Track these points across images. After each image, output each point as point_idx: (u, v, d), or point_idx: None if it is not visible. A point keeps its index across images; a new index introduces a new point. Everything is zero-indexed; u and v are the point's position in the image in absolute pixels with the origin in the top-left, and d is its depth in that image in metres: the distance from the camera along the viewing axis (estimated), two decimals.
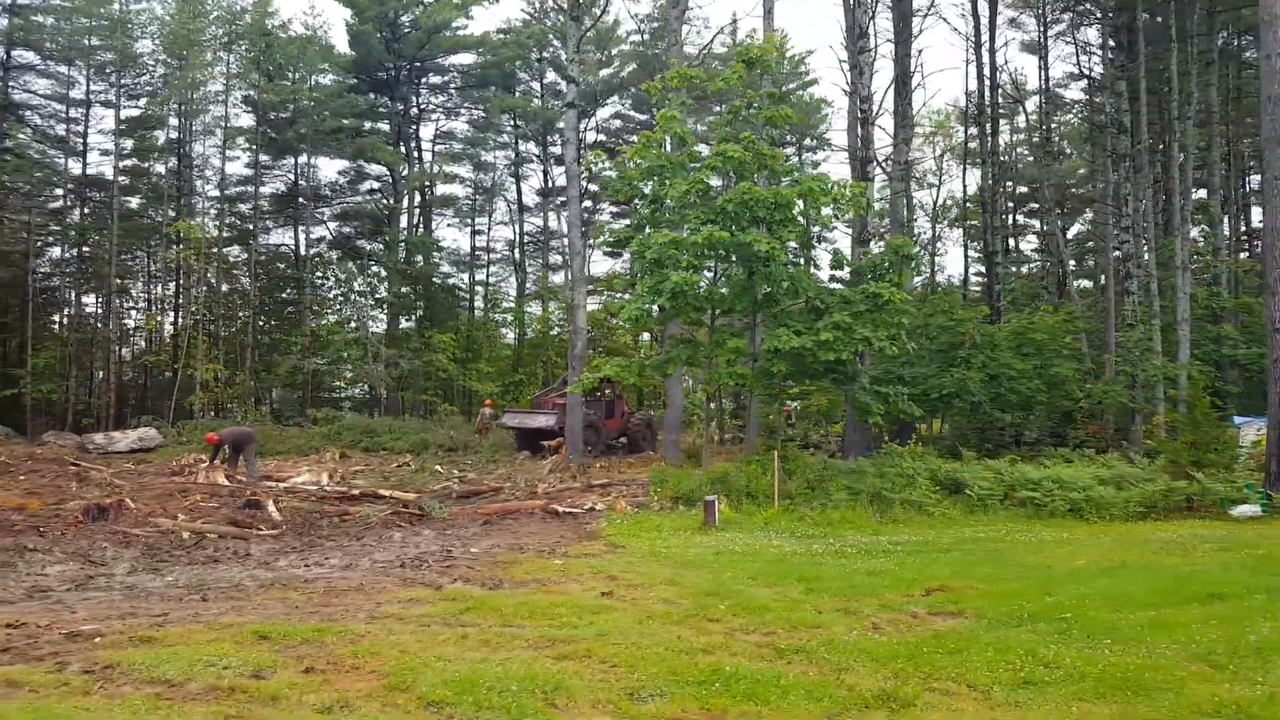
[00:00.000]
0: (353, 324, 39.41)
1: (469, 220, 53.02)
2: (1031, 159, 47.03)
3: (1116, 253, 27.06)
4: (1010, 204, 47.40)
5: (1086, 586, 9.64)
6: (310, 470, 23.49)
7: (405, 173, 46.66)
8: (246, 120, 43.71)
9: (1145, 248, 26.35)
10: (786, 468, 18.31)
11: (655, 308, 16.54)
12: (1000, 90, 36.01)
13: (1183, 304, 25.21)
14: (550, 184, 53.97)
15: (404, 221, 47.51)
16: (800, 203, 17.10)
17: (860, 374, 17.50)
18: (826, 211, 16.97)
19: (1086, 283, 46.79)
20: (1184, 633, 7.39)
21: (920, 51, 33.54)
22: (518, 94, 53.42)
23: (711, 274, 17.83)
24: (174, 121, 41.57)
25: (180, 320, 37.39)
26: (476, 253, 53.56)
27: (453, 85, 51.84)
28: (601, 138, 56.47)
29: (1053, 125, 43.76)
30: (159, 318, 36.79)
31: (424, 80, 50.41)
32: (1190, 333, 25.94)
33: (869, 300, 16.08)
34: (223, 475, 21.60)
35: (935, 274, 54.01)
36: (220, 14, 40.68)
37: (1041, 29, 42.00)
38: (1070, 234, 50.17)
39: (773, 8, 25.78)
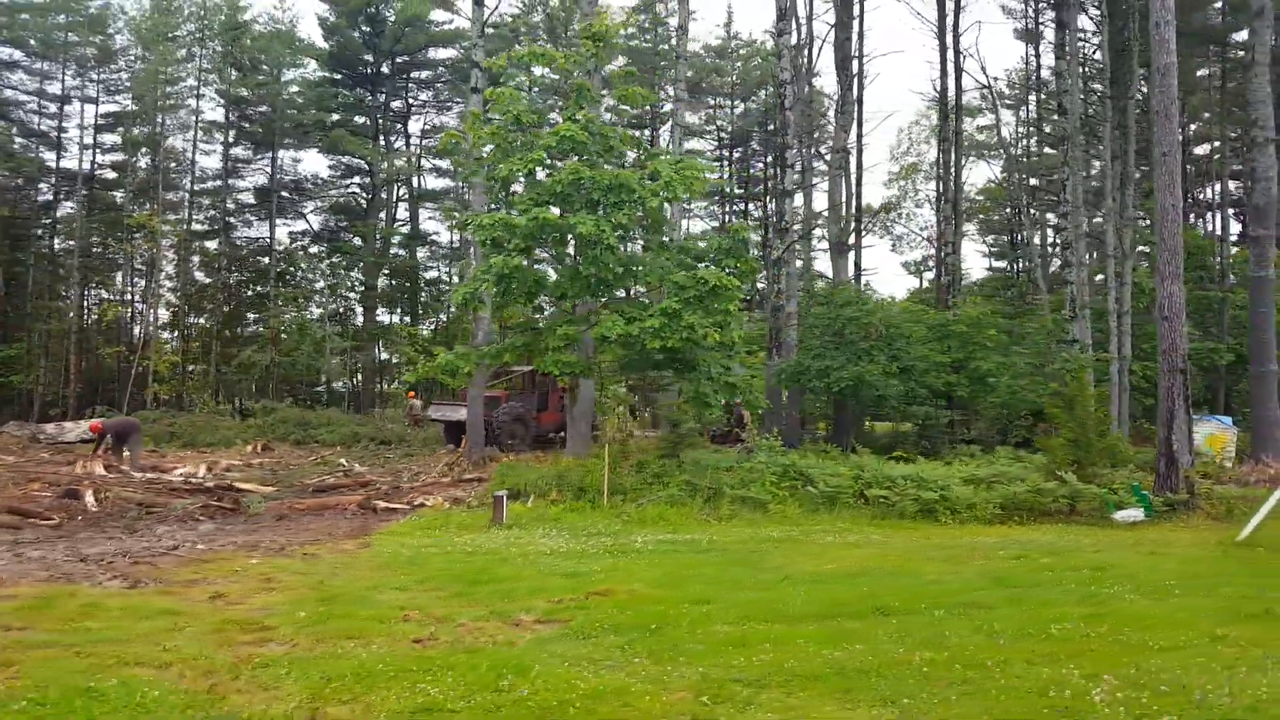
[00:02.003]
0: (313, 316, 39.37)
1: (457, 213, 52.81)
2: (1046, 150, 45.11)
3: (1052, 239, 25.59)
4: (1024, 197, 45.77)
5: (769, 594, 8.79)
6: (193, 463, 23.25)
7: (386, 166, 46.60)
8: (224, 115, 44.01)
9: (1083, 233, 24.85)
10: (638, 462, 17.55)
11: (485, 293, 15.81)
12: (967, 76, 34.50)
13: (1124, 294, 23.72)
14: None
15: (385, 214, 47.44)
16: (650, 184, 16.21)
17: (708, 363, 16.59)
18: (662, 200, 16.04)
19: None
20: (747, 654, 6.52)
21: (861, 35, 32.08)
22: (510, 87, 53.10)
23: (552, 258, 17.03)
24: (152, 116, 41.81)
25: (141, 312, 37.76)
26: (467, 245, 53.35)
27: (441, 80, 51.67)
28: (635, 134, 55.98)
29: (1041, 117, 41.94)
30: (120, 310, 37.13)
31: (409, 75, 50.34)
32: (1132, 326, 24.42)
33: (698, 286, 15.18)
34: (102, 465, 21.46)
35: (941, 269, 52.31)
36: (193, 9, 40.91)
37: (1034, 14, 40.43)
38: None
39: None
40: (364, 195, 47.15)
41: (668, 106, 58.20)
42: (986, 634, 7.16)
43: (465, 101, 33.05)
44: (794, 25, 27.24)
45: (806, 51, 30.00)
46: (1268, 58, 21.79)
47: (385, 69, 46.78)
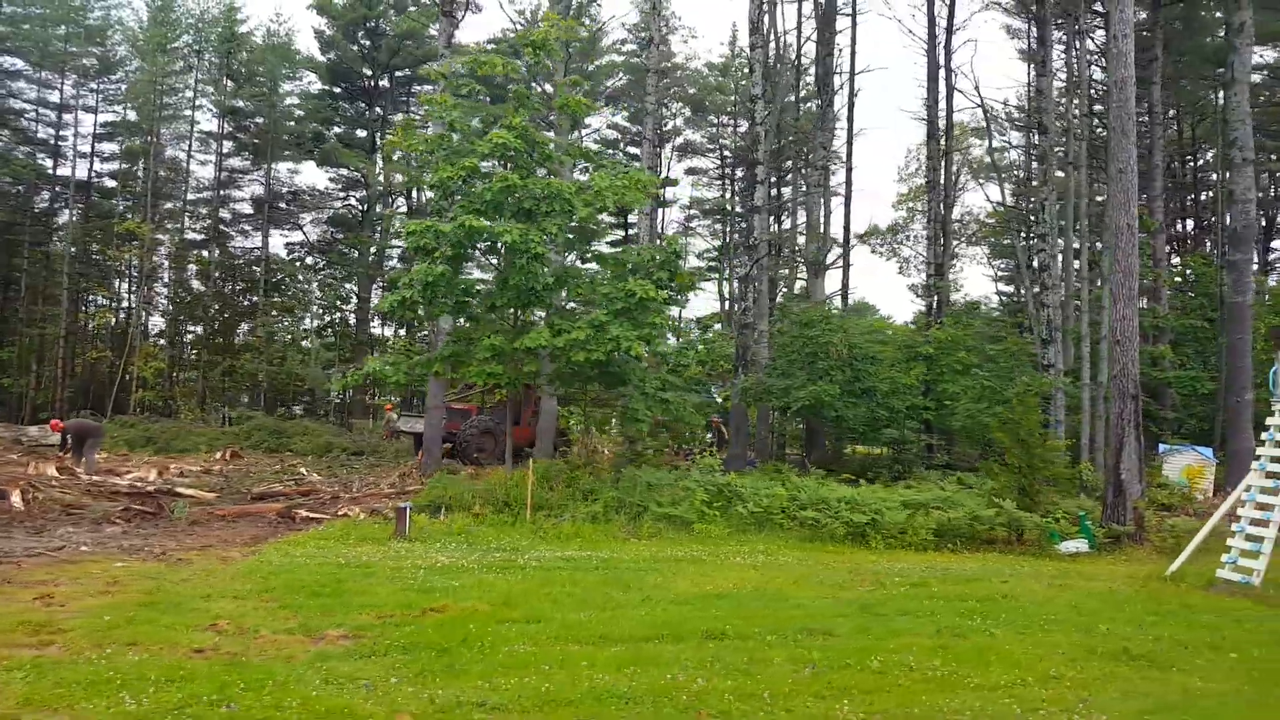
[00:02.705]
0: (305, 327, 39.40)
1: None
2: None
3: (1033, 264, 24.99)
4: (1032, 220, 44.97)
5: (611, 614, 8.37)
6: (147, 468, 23.13)
7: (383, 179, 46.72)
8: (225, 125, 44.37)
9: (1059, 258, 24.22)
10: (570, 477, 17.17)
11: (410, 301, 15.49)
12: (960, 95, 33.99)
13: (1102, 318, 23.00)
14: None
15: (381, 227, 47.51)
16: (588, 194, 15.89)
17: (642, 378, 16.21)
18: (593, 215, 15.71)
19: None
20: (519, 676, 6.11)
21: (854, 53, 31.77)
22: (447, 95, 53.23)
23: (494, 267, 16.65)
24: (148, 126, 42.22)
25: (130, 318, 37.88)
26: None
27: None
28: (594, 147, 55.96)
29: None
30: (109, 316, 37.34)
31: (409, 89, 50.58)
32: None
33: (626, 298, 14.80)
34: (55, 467, 21.36)
35: (950, 291, 51.44)
36: (190, 21, 41.36)
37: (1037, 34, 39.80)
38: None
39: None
40: (360, 208, 47.30)
41: (676, 122, 58.54)
42: (798, 664, 6.71)
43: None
44: (774, 39, 26.94)
45: (792, 66, 29.64)
46: (1248, 76, 21.18)
47: (385, 82, 46.99)
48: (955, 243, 55.66)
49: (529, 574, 10.54)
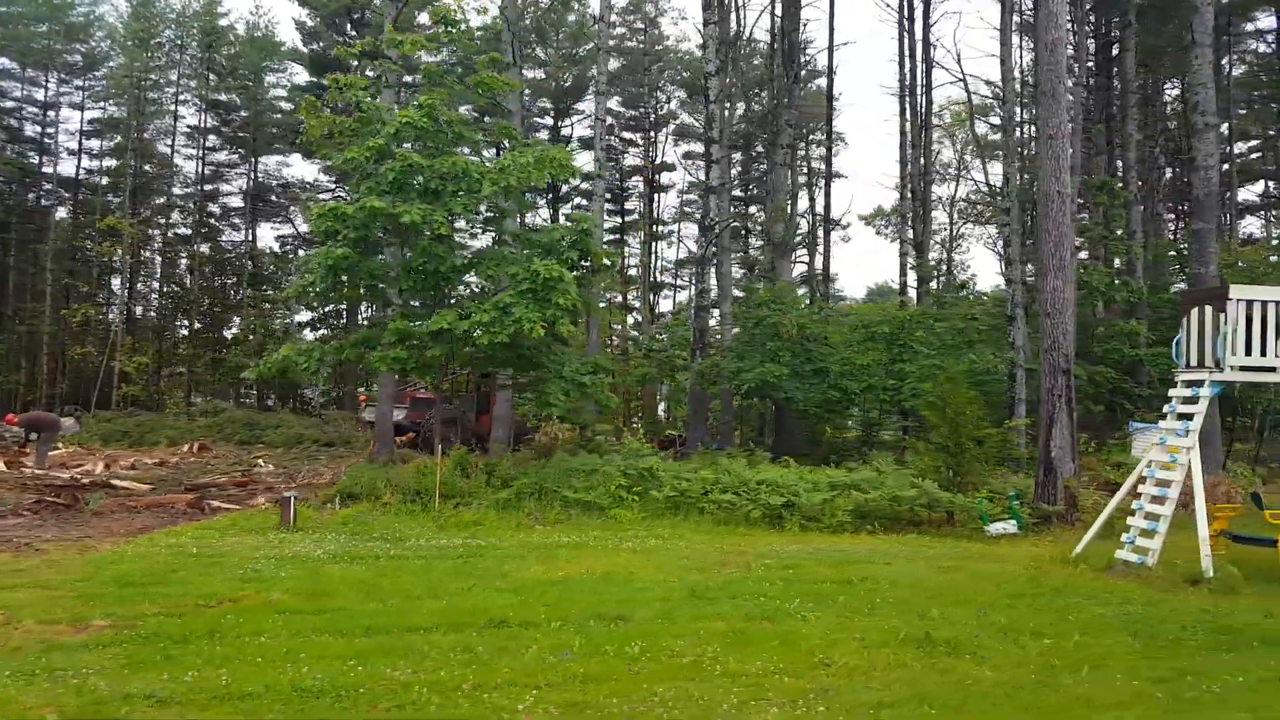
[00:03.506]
0: (291, 321, 39.40)
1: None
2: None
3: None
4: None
5: (417, 604, 8.05)
6: (94, 461, 23.14)
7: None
8: (209, 120, 44.43)
9: (1017, 231, 23.43)
10: (489, 465, 16.85)
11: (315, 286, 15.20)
12: (941, 70, 33.15)
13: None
14: None
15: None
16: (493, 173, 15.41)
17: (560, 361, 15.81)
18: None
19: None
20: (242, 668, 5.81)
21: (831, 28, 30.96)
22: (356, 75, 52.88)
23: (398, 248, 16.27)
24: (130, 122, 42.33)
25: (114, 314, 38.07)
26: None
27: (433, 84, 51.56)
28: (586, 132, 55.54)
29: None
30: (93, 311, 37.54)
31: (401, 78, 50.27)
32: (1078, 328, 22.89)
33: (531, 279, 14.39)
34: (3, 461, 21.48)
35: (952, 271, 50.48)
36: (172, 15, 41.39)
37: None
38: None
39: None
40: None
41: (670, 105, 57.83)
42: (555, 651, 6.34)
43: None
44: (734, 15, 26.37)
45: (758, 44, 29.00)
46: (1209, 38, 20.26)
47: (371, 72, 46.74)
48: (961, 223, 54.71)
49: (382, 564, 10.24)
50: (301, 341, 29.46)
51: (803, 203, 45.63)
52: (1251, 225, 42.23)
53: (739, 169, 59.06)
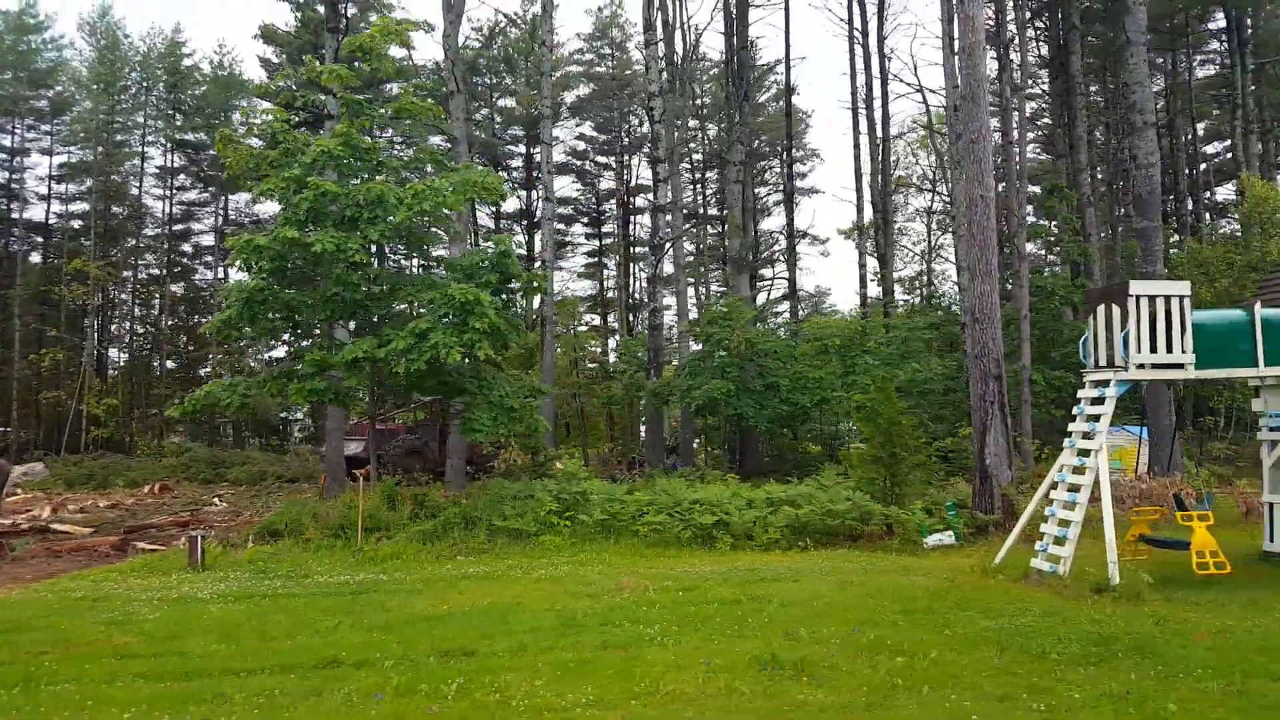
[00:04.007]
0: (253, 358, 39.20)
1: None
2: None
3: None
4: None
5: (255, 646, 7.72)
6: (42, 506, 22.89)
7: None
8: (177, 160, 44.50)
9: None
10: (417, 495, 16.57)
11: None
12: (898, 81, 33.06)
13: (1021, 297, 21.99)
14: (498, 207, 53.19)
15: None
16: (408, 198, 15.17)
17: (489, 385, 15.55)
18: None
19: None
20: None
21: (788, 44, 30.82)
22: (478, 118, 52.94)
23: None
24: (105, 164, 42.36)
25: (84, 359, 37.89)
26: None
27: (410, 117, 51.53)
28: (562, 159, 55.64)
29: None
30: (59, 355, 37.37)
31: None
32: (1034, 333, 22.71)
33: (447, 303, 14.17)
34: None
35: (932, 282, 50.25)
36: (138, 58, 41.54)
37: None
38: None
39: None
40: None
41: (643, 128, 57.89)
42: (367, 693, 6.04)
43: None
44: (681, 35, 26.35)
45: (701, 61, 28.92)
46: (1142, 36, 20.14)
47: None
48: (940, 234, 54.52)
49: (265, 603, 9.94)
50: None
51: (779, 219, 45.70)
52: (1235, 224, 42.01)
53: (714, 188, 59.17)
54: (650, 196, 58.33)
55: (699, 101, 56.63)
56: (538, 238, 58.34)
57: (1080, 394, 11.08)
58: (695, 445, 26.47)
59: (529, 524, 14.75)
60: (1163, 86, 37.07)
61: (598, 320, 57.71)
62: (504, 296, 15.61)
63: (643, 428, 37.28)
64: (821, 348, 22.87)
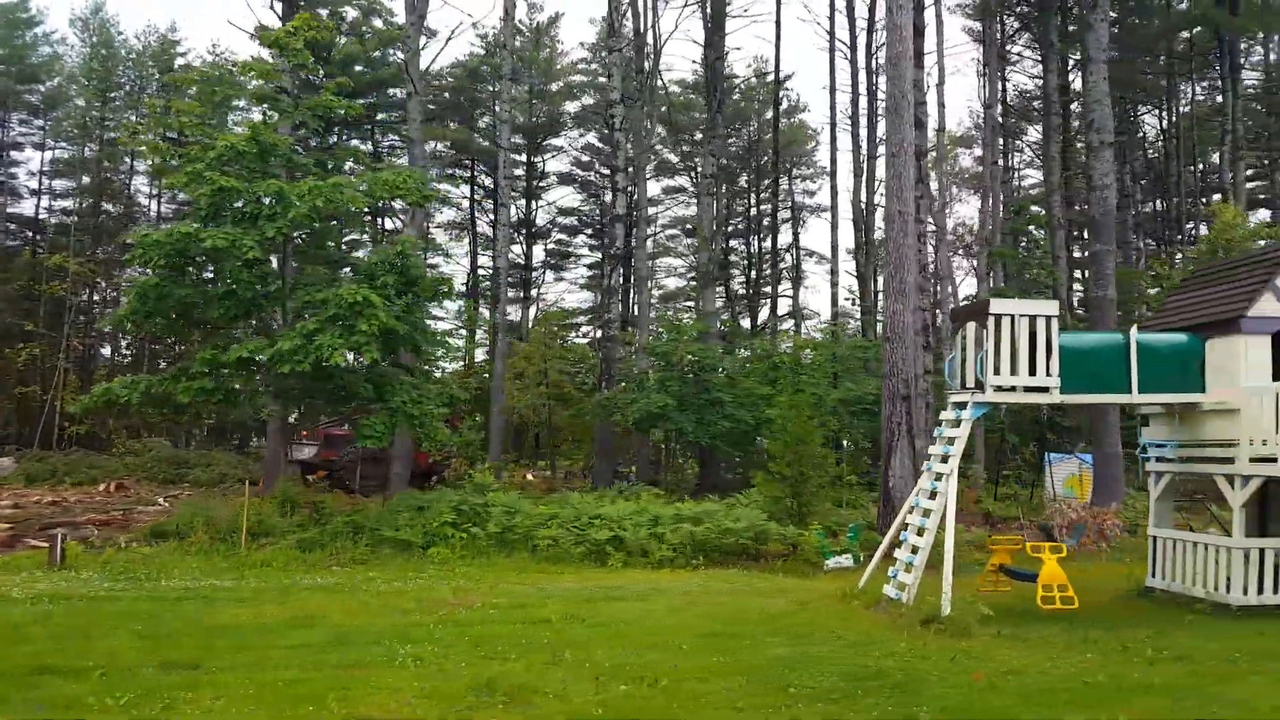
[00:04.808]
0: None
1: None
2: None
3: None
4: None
5: None
6: None
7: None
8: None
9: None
10: (318, 502, 16.32)
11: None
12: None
13: None
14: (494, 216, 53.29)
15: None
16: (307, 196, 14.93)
17: (390, 389, 15.25)
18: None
19: None
20: None
21: (728, 53, 30.41)
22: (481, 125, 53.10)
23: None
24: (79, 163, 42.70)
25: (59, 355, 38.09)
26: None
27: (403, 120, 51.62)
28: (563, 168, 55.60)
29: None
30: (36, 350, 37.61)
31: (374, 118, 50.45)
32: None
33: (337, 304, 13.91)
34: None
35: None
36: (132, 57, 41.96)
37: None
38: None
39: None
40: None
41: (649, 141, 57.58)
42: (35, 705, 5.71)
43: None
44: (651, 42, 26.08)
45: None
46: (1103, 54, 19.55)
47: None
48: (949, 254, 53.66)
49: (79, 607, 9.64)
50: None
51: (785, 237, 45.12)
52: None
53: (725, 201, 58.56)
54: (655, 209, 58.15)
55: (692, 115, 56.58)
56: (536, 249, 58.44)
57: (942, 416, 10.57)
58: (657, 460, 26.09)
59: (417, 535, 14.41)
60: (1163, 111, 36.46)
61: (599, 333, 57.32)
62: (407, 299, 15.28)
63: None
64: (773, 365, 22.39)
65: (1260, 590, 10.07)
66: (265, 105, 16.36)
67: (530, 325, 48.35)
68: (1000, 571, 10.49)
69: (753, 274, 47.84)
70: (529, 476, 32.96)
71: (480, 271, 50.77)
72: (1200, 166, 39.70)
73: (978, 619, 8.82)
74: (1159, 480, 11.41)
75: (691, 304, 52.27)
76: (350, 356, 14.37)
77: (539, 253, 56.44)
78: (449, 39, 46.23)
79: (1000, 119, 28.23)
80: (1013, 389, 9.91)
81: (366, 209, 16.95)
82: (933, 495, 10.08)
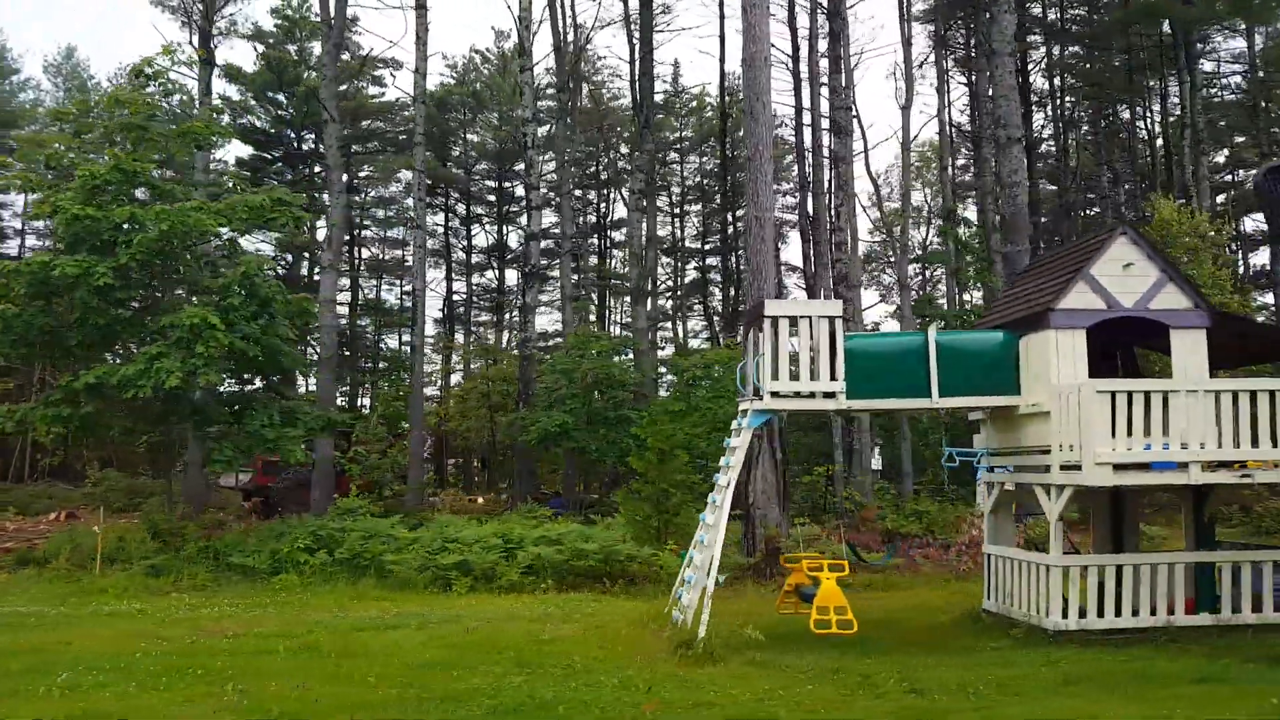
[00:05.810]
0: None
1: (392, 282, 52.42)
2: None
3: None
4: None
5: None
6: None
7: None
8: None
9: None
10: (185, 530, 16.06)
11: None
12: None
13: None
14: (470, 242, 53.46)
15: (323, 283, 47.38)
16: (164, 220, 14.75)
17: (252, 414, 14.98)
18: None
19: None
20: None
21: (677, 63, 30.06)
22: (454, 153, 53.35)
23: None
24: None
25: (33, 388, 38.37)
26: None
27: (384, 151, 51.94)
28: (546, 192, 55.55)
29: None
30: (8, 385, 37.94)
31: (349, 148, 50.76)
32: None
33: (182, 327, 13.69)
34: None
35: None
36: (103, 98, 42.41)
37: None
38: None
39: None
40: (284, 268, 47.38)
41: (621, 163, 57.45)
42: None
43: None
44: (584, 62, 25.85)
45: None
46: (1008, 47, 18.92)
47: (311, 144, 47.24)
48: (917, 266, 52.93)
49: None
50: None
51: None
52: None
53: (695, 221, 58.30)
54: (624, 231, 57.90)
55: (681, 135, 56.33)
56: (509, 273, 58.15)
57: (733, 425, 10.02)
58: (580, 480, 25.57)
59: (263, 561, 14.08)
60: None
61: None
62: (261, 321, 14.99)
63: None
64: (689, 380, 21.85)
65: (1083, 614, 9.22)
66: (130, 135, 16.27)
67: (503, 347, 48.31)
68: (796, 593, 9.84)
69: (731, 291, 47.45)
70: (479, 500, 32.55)
71: (455, 297, 50.91)
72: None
73: (743, 643, 8.25)
74: (990, 492, 10.76)
75: (668, 323, 52.11)
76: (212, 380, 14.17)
77: (511, 276, 56.21)
78: (362, 65, 45.09)
79: (950, 125, 27.63)
80: (795, 395, 9.36)
81: (242, 232, 16.78)
82: (713, 509, 9.54)
